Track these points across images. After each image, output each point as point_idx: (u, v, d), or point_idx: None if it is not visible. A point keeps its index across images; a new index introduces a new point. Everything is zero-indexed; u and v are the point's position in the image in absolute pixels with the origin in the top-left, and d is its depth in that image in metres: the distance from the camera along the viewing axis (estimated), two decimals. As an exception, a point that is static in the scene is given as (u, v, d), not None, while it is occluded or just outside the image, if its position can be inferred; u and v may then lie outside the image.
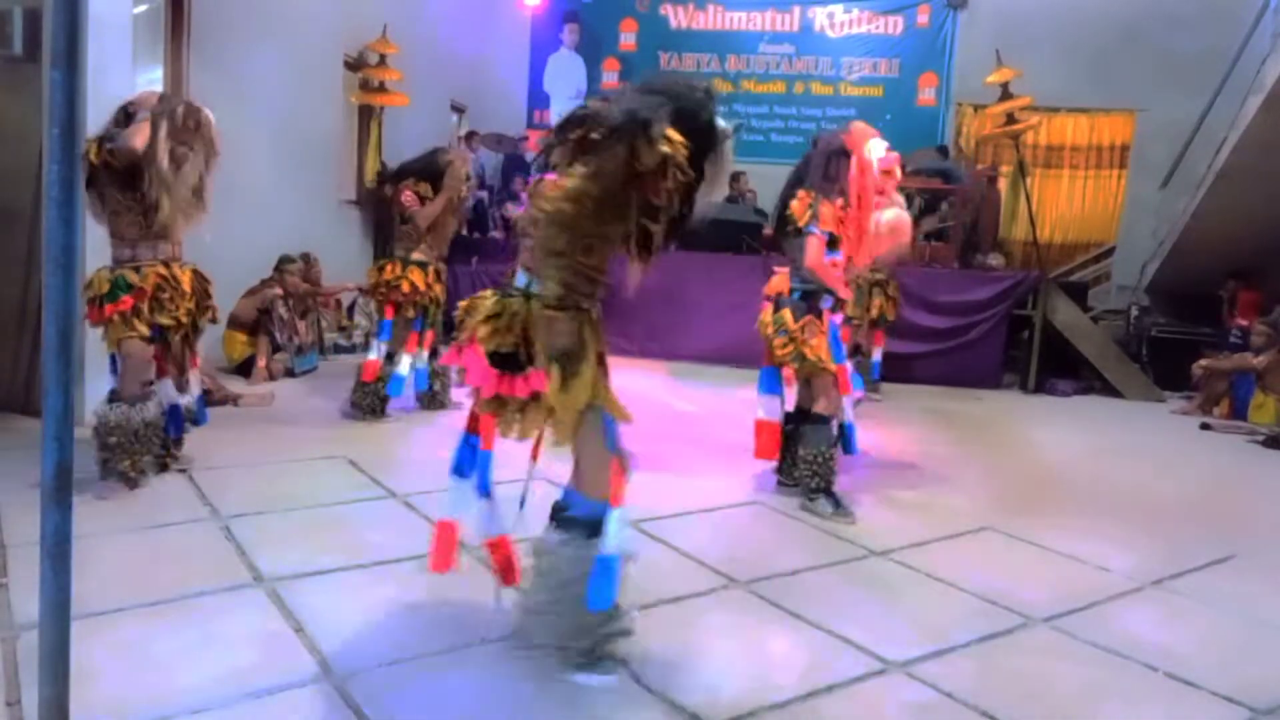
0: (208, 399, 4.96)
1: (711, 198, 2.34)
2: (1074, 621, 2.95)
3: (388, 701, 2.21)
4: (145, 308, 3.64)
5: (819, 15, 11.19)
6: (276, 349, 6.49)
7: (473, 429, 2.46)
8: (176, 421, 3.90)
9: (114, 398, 3.65)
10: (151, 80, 6.14)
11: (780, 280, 4.65)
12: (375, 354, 5.21)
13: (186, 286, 3.79)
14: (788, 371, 4.03)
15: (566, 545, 2.29)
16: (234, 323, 6.36)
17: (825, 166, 3.84)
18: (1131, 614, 3.06)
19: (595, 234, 2.23)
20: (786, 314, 3.90)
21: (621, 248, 2.30)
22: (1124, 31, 9.98)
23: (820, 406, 3.92)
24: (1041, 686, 2.51)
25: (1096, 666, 2.66)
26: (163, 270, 3.73)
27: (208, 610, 2.62)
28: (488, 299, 2.36)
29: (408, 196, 5.29)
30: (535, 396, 2.27)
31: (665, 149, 2.06)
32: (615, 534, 2.26)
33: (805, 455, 3.91)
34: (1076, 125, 10.55)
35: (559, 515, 2.36)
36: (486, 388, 2.29)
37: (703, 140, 2.22)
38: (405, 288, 5.19)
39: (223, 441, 4.40)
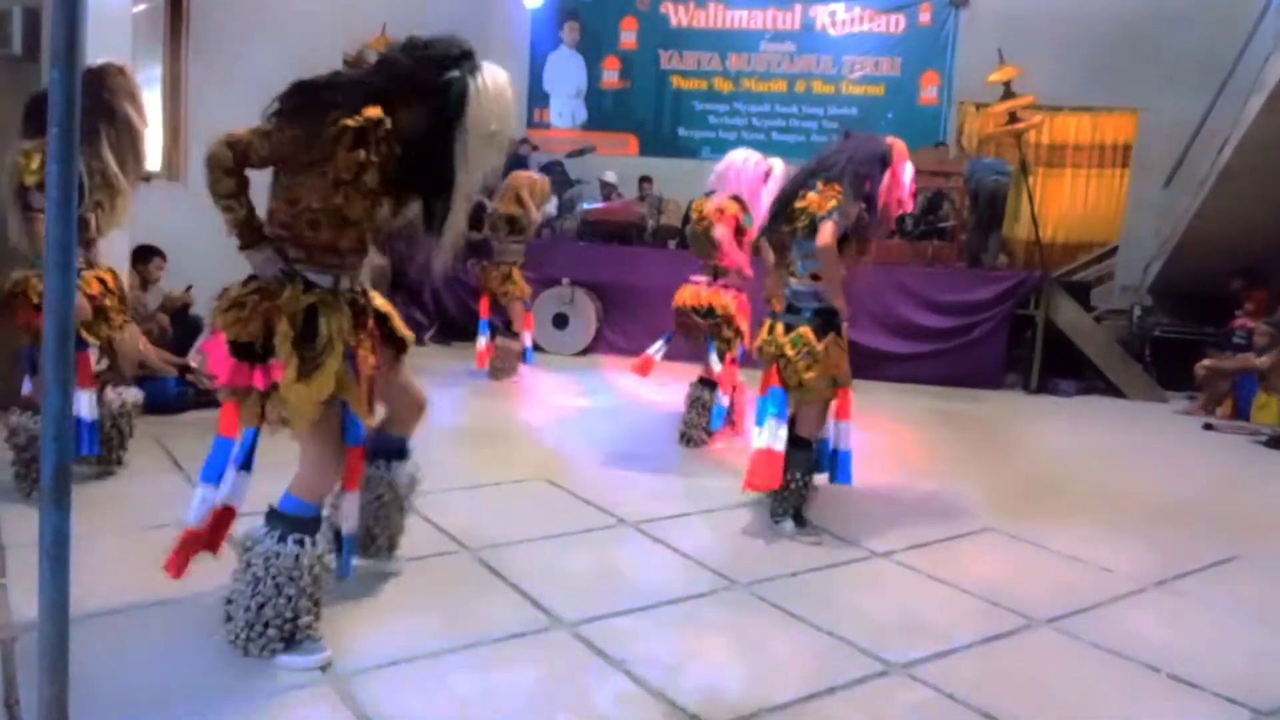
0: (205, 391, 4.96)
1: (482, 157, 2.39)
2: (1076, 622, 2.94)
3: (389, 702, 2.21)
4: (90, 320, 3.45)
5: (820, 14, 11.15)
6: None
7: (226, 431, 2.43)
8: (92, 437, 3.48)
9: (27, 405, 3.43)
10: (151, 80, 6.14)
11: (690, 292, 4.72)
12: None
13: (115, 291, 3.62)
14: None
15: (266, 538, 2.32)
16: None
17: (860, 170, 3.56)
18: (1134, 615, 3.05)
19: (316, 208, 2.27)
20: (808, 332, 3.56)
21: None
22: (1126, 30, 9.95)
23: (803, 430, 3.68)
24: (1044, 688, 2.51)
25: (1099, 667, 2.65)
26: (104, 275, 3.57)
27: (208, 610, 2.60)
28: (234, 288, 2.33)
29: None
30: (275, 387, 2.27)
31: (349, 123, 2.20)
32: (350, 514, 2.54)
33: (784, 478, 3.62)
34: (1079, 124, 10.51)
35: (270, 510, 2.38)
36: (224, 375, 2.30)
37: (436, 100, 2.38)
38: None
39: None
